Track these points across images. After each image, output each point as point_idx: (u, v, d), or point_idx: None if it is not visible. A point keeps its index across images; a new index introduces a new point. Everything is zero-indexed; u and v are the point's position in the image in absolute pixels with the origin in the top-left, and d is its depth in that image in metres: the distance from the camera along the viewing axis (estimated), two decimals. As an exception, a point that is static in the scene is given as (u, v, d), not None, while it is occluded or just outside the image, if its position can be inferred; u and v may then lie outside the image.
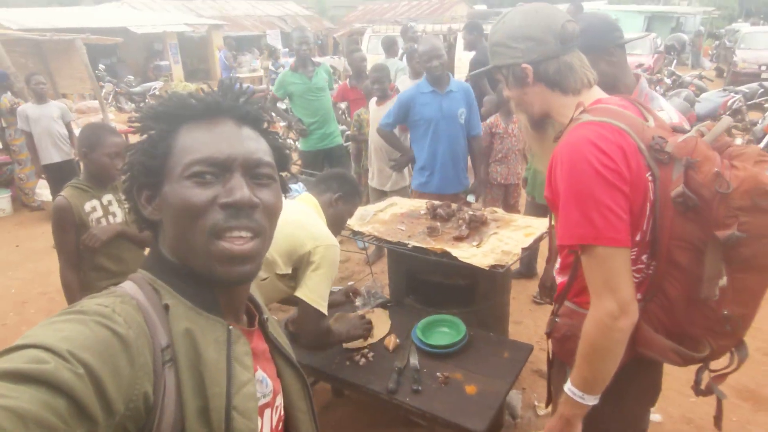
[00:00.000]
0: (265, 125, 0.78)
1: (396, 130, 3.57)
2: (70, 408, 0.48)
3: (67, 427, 0.47)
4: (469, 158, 3.50)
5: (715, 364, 1.21)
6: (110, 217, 2.24)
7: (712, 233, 1.03)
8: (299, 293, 1.74)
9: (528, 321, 3.37)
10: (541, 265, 3.84)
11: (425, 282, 2.43)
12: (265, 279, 1.77)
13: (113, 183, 2.28)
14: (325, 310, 1.76)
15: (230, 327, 0.70)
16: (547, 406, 1.58)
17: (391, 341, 2.11)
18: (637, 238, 1.12)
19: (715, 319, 1.10)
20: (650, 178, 1.10)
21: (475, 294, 2.35)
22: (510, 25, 1.25)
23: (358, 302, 2.46)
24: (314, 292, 1.73)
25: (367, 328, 2.04)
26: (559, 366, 1.41)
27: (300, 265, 1.77)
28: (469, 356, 2.04)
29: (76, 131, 5.65)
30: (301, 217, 1.84)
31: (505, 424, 2.38)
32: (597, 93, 1.26)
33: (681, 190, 1.04)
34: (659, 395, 1.43)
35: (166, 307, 0.66)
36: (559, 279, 1.37)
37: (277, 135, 0.80)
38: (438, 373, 1.93)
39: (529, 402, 2.61)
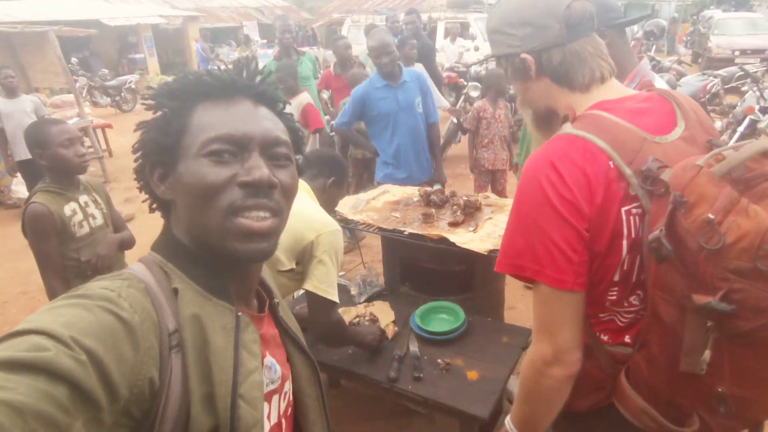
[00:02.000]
0: (281, 106, 0.76)
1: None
2: (71, 395, 0.47)
3: (68, 416, 0.46)
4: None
5: None
6: (90, 220, 2.11)
7: (689, 295, 0.79)
8: (308, 286, 1.68)
9: (521, 306, 3.38)
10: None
11: (421, 269, 2.41)
12: None
13: (83, 182, 2.15)
14: (335, 298, 1.70)
15: (239, 313, 0.69)
16: None
17: (390, 329, 2.09)
18: (615, 278, 0.95)
19: (708, 394, 0.87)
20: (635, 211, 0.91)
21: (472, 280, 2.33)
22: (506, 8, 1.06)
23: (353, 291, 2.43)
24: (323, 282, 1.68)
25: (380, 338, 1.98)
26: None
27: (303, 257, 1.71)
28: (469, 342, 2.03)
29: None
30: (297, 206, 1.76)
31: (504, 408, 2.38)
32: (610, 90, 1.04)
33: (656, 234, 0.82)
34: None
35: (175, 291, 0.65)
36: None
37: (292, 116, 0.79)
38: (439, 360, 1.91)
39: (525, 386, 2.62)
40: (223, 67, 0.75)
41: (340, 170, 1.98)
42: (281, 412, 0.78)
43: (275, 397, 0.76)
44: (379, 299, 2.38)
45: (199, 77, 0.70)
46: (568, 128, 0.97)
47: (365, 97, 3.14)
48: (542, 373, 0.97)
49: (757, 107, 5.21)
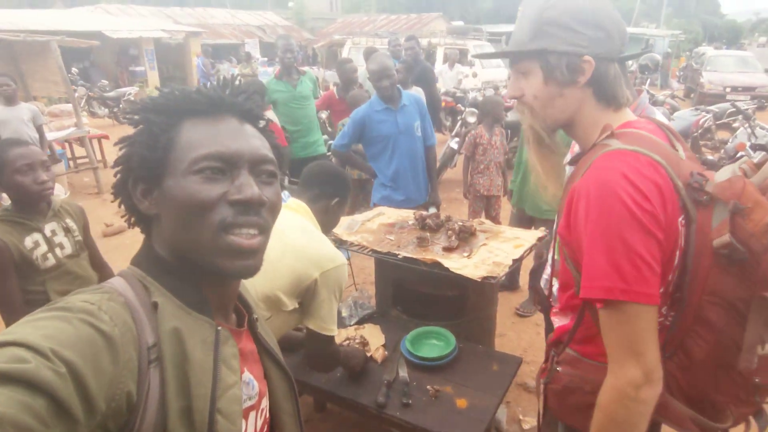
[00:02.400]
0: (262, 124, 0.77)
1: None
2: (50, 408, 0.47)
3: (45, 428, 0.47)
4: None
5: None
6: (57, 250, 1.92)
7: (760, 294, 0.87)
8: (311, 325, 1.62)
9: (511, 333, 3.37)
10: (523, 278, 3.86)
11: (413, 293, 2.40)
12: (269, 318, 1.60)
13: (55, 207, 1.96)
14: (335, 333, 1.65)
15: (219, 328, 0.69)
16: None
17: (380, 353, 2.07)
18: (661, 290, 0.95)
19: (744, 387, 0.95)
20: (683, 221, 0.94)
21: (464, 306, 2.32)
22: (579, 3, 0.98)
23: (344, 313, 2.41)
24: (325, 320, 1.61)
25: (364, 364, 1.97)
26: (548, 421, 1.23)
27: (306, 295, 1.60)
28: (459, 369, 2.01)
29: (49, 135, 5.49)
30: (300, 241, 1.61)
31: (492, 438, 2.35)
32: (628, 114, 1.06)
33: (728, 239, 0.87)
34: None
35: (155, 305, 0.65)
36: (558, 321, 1.21)
37: (272, 133, 0.80)
38: (428, 386, 1.89)
39: (514, 416, 2.59)
40: (250, 79, 0.75)
41: (344, 189, 1.83)
42: (257, 429, 0.78)
43: (252, 414, 0.76)
44: (370, 322, 2.37)
45: (186, 93, 0.70)
46: (618, 144, 0.95)
47: (365, 120, 3.16)
48: (634, 399, 0.90)
49: (748, 144, 5.31)
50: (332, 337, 1.66)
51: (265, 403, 0.81)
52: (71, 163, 7.20)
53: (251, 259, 0.68)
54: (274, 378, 0.85)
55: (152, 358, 0.61)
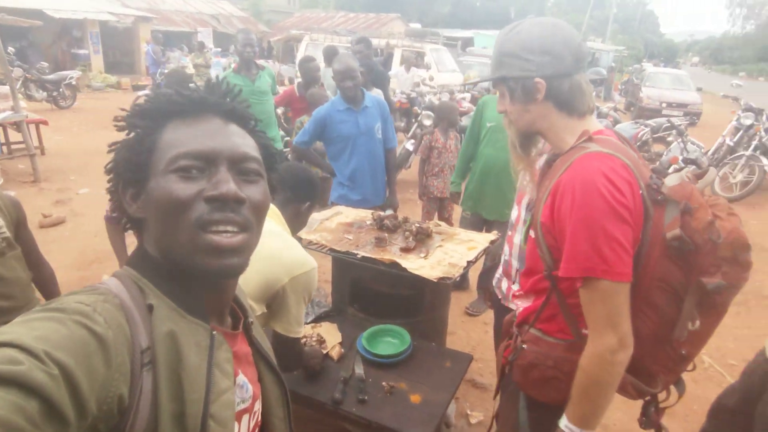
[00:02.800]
0: (252, 124, 0.78)
1: None
2: (41, 409, 0.47)
3: (36, 430, 0.46)
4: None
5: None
6: None
7: (696, 279, 1.05)
8: (278, 328, 1.61)
9: (461, 332, 3.48)
10: (472, 278, 3.99)
11: (370, 292, 2.44)
12: None
13: None
14: (301, 335, 1.66)
15: (213, 332, 0.69)
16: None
17: (336, 351, 2.10)
18: None
19: (675, 358, 1.15)
20: (643, 216, 1.10)
21: (420, 305, 2.39)
22: (527, 36, 1.18)
23: (301, 311, 2.42)
24: (292, 323, 1.61)
25: (322, 362, 2.00)
26: (512, 392, 1.39)
27: (275, 299, 1.59)
28: (413, 366, 2.07)
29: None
30: (272, 246, 1.58)
31: (442, 432, 2.43)
32: (595, 121, 1.23)
33: (678, 233, 1.03)
34: None
35: (150, 308, 0.64)
36: (521, 304, 1.37)
37: (264, 134, 0.80)
38: (383, 383, 1.94)
39: (462, 411, 2.68)
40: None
41: (315, 192, 1.85)
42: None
43: (245, 417, 0.76)
44: (327, 320, 2.39)
45: (169, 96, 0.70)
46: (596, 147, 1.12)
47: (327, 119, 3.18)
48: (611, 361, 1.07)
49: (680, 158, 5.72)
50: (298, 339, 1.67)
51: (258, 406, 0.81)
52: (5, 148, 6.76)
53: (234, 258, 0.67)
54: (267, 382, 0.85)
55: (145, 361, 0.61)
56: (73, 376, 0.50)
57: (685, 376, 1.28)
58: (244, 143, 0.72)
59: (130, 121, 0.71)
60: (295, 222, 1.81)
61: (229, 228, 0.66)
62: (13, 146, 6.84)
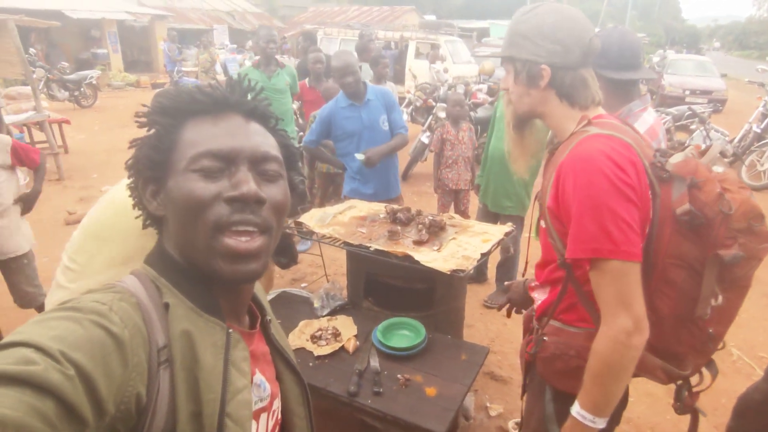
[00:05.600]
0: (273, 122, 0.77)
1: None
2: (58, 410, 0.46)
3: (53, 430, 0.46)
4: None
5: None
6: None
7: (713, 253, 1.03)
8: None
9: (479, 324, 3.46)
10: (491, 271, 3.96)
11: (384, 285, 2.44)
12: None
13: None
14: None
15: (230, 330, 0.68)
16: (520, 430, 1.57)
17: (351, 343, 2.11)
18: None
19: (701, 338, 1.11)
20: (650, 195, 1.09)
21: (433, 298, 2.38)
22: (542, 21, 1.17)
23: (316, 304, 2.44)
24: None
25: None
26: (537, 386, 1.38)
27: None
28: (428, 358, 2.07)
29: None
30: None
31: (459, 425, 2.42)
32: (601, 111, 1.24)
33: (688, 207, 1.03)
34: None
35: (167, 306, 0.64)
36: (539, 295, 1.35)
37: (285, 132, 0.79)
38: (398, 375, 1.94)
39: (481, 404, 2.67)
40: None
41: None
42: (268, 431, 0.78)
43: (263, 416, 0.76)
44: (342, 313, 2.40)
45: (191, 94, 0.70)
46: (596, 129, 1.12)
47: (331, 118, 3.20)
48: (626, 345, 1.04)
49: (703, 146, 5.55)
50: None
51: (276, 404, 0.80)
52: (29, 148, 6.92)
53: (252, 264, 0.66)
54: (286, 380, 0.84)
55: (162, 359, 0.60)
56: (89, 377, 0.50)
57: None
58: (265, 142, 0.72)
59: (151, 118, 0.70)
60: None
61: (249, 228, 0.66)
62: (38, 145, 7.00)
